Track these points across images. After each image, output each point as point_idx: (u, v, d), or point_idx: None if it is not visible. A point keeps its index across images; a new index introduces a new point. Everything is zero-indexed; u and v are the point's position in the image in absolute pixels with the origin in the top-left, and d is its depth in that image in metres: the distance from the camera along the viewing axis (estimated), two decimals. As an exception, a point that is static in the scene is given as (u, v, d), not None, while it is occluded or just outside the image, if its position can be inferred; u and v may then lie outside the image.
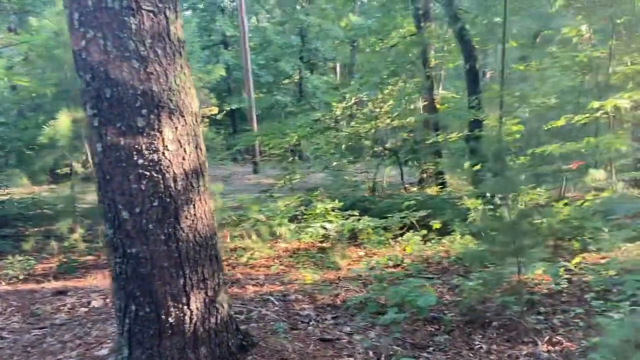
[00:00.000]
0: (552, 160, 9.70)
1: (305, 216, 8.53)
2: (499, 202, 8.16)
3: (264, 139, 14.05)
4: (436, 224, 8.33)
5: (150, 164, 2.95)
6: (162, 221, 3.02)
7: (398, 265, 7.17)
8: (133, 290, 3.10)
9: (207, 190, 3.24)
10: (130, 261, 3.06)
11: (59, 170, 13.18)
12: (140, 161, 2.94)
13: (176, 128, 3.01)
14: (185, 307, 3.13)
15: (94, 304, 5.80)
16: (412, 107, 15.00)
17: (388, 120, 13.79)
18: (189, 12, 25.99)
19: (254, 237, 7.55)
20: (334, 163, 14.59)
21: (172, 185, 3.02)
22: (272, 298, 5.84)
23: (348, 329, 4.94)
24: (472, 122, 11.83)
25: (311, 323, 5.12)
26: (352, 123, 14.91)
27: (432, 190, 12.77)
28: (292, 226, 7.92)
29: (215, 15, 26.34)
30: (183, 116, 3.04)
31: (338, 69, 33.26)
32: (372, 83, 13.83)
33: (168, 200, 3.02)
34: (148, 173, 2.96)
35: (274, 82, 28.23)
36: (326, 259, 7.55)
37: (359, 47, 18.47)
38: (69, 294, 6.15)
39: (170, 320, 3.11)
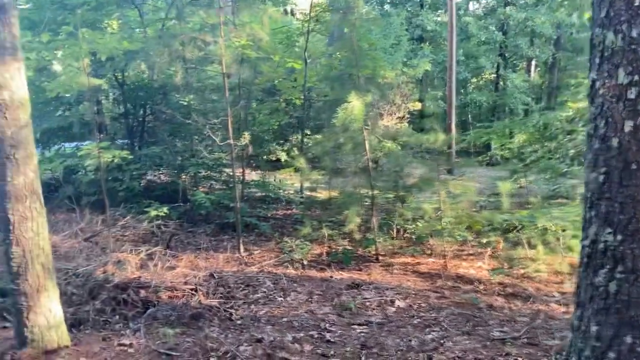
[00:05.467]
0: None
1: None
2: None
3: (491, 137, 13.02)
4: None
5: None
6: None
7: None
8: (635, 318, 2.37)
9: None
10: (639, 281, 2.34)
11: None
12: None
13: None
14: None
15: (398, 304, 5.31)
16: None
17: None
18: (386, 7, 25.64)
19: (540, 247, 6.62)
20: (564, 170, 13.09)
21: None
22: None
23: None
24: None
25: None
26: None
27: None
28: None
29: (413, 9, 25.70)
30: None
31: (533, 67, 30.98)
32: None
33: None
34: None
35: (467, 79, 26.91)
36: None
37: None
38: (362, 287, 5.77)
39: (683, 364, 2.33)
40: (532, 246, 6.85)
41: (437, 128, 6.68)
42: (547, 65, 29.23)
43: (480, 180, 14.60)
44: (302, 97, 12.14)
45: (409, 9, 25.15)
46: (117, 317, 4.52)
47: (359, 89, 6.93)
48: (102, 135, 11.11)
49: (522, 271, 6.79)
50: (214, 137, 6.71)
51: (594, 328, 2.53)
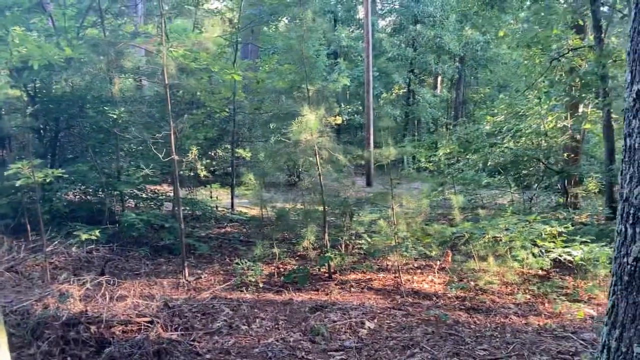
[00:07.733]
0: None
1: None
2: None
3: (420, 151, 13.29)
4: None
5: None
6: None
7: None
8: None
9: None
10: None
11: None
12: None
13: None
14: None
15: (368, 325, 5.09)
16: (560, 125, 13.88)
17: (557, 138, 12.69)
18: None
19: (490, 259, 6.69)
20: (484, 182, 13.62)
21: None
22: (575, 337, 4.96)
23: None
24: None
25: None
26: (507, 138, 13.90)
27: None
28: (536, 249, 7.01)
29: (328, 24, 26.04)
30: None
31: (439, 83, 32.33)
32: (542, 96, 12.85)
33: None
34: None
35: (380, 94, 27.61)
36: (572, 290, 6.57)
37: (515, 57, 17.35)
38: (326, 309, 5.49)
39: None
40: (481, 258, 6.92)
41: (390, 142, 6.59)
42: (453, 81, 30.65)
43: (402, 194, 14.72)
44: (228, 110, 11.70)
45: (325, 23, 25.44)
46: (69, 359, 3.93)
47: (311, 103, 6.71)
48: (7, 152, 10.05)
49: (472, 284, 6.83)
50: (157, 153, 6.15)
51: (638, 349, 2.44)
